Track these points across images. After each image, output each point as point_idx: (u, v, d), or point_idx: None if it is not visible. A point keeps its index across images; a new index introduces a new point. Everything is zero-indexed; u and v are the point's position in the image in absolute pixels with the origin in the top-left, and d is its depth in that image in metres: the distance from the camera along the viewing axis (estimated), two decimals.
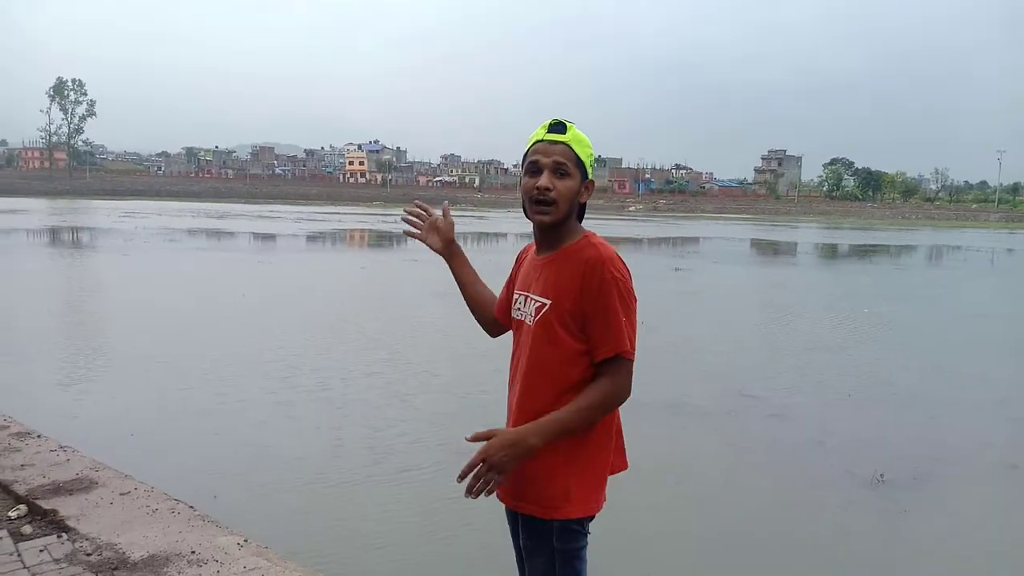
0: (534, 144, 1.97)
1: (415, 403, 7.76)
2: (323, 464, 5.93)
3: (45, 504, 3.78)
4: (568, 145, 1.94)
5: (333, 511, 5.13)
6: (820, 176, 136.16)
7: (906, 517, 5.38)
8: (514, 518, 2.10)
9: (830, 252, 35.63)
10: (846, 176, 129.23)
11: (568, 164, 1.94)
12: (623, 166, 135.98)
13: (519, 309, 2.06)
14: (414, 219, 2.37)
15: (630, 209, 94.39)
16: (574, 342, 1.94)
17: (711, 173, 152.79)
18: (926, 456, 6.62)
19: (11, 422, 5.09)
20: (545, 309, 1.96)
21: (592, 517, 2.04)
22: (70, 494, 3.93)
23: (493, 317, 2.32)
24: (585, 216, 2.13)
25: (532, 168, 1.95)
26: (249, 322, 11.92)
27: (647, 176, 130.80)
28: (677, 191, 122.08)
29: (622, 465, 2.15)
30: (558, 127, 1.95)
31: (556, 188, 1.92)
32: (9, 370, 8.43)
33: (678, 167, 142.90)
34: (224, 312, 12.76)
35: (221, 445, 6.24)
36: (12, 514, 3.76)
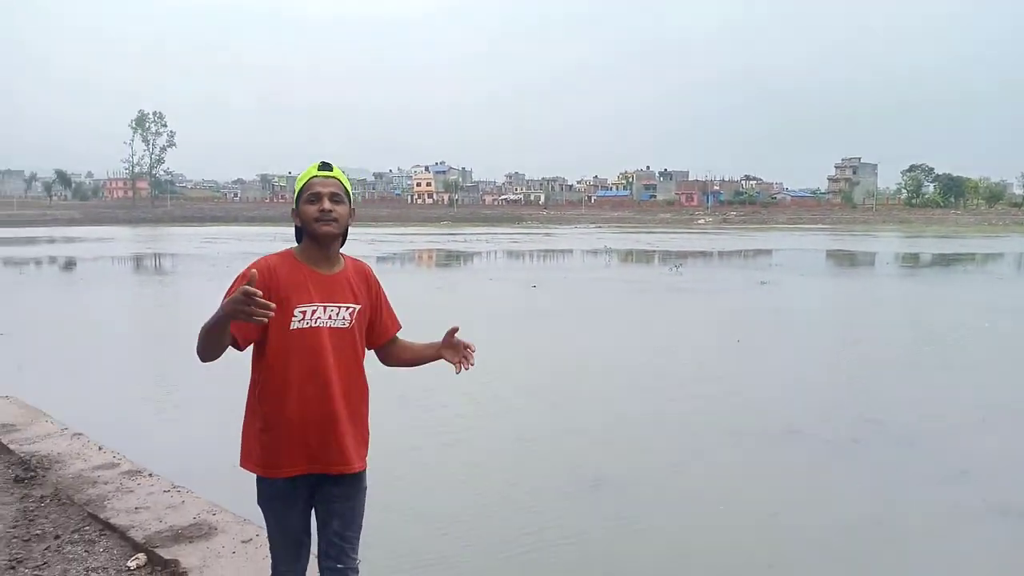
0: (310, 179, 2.44)
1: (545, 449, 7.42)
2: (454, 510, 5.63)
3: (165, 554, 3.57)
4: (338, 179, 2.47)
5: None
6: (898, 183, 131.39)
7: None
8: (310, 485, 2.47)
9: (920, 261, 34.05)
10: (926, 183, 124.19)
11: (340, 193, 2.46)
12: (690, 178, 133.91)
13: (318, 318, 2.42)
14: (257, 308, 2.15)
15: (699, 222, 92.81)
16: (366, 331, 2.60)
17: (781, 183, 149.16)
18: None
19: (122, 459, 4.94)
20: (358, 310, 2.51)
21: None
22: (190, 541, 3.71)
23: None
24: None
25: (312, 198, 2.42)
26: None
27: (716, 188, 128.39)
28: (747, 202, 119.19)
29: None
30: (327, 167, 2.47)
31: (335, 210, 2.43)
32: (115, 403, 8.43)
33: (747, 178, 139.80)
34: None
35: None
36: (131, 564, 3.55)
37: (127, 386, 9.28)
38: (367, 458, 2.59)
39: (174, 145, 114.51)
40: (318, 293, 2.43)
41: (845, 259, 35.92)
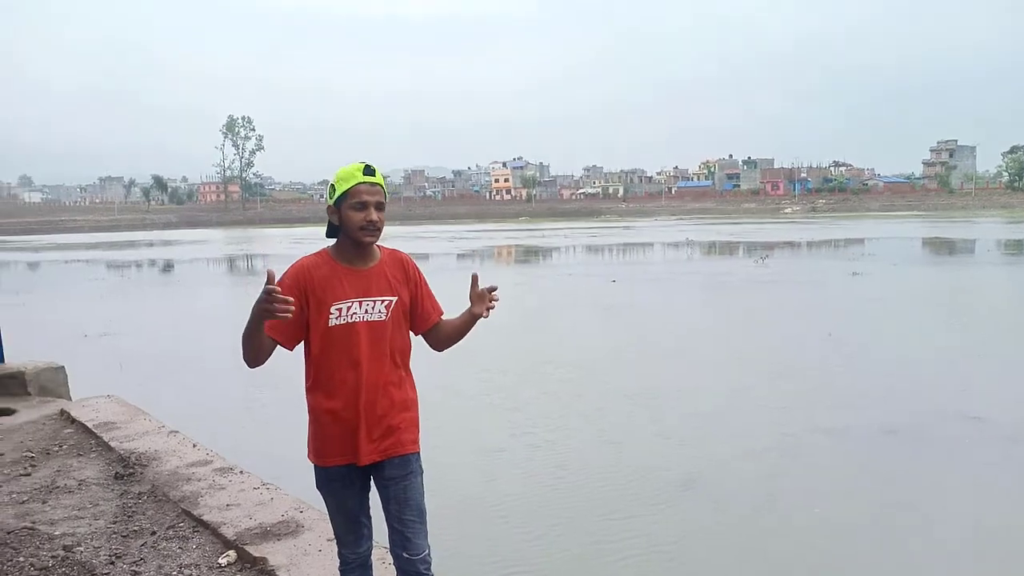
0: (356, 184, 2.47)
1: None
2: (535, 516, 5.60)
3: (254, 551, 3.64)
4: (382, 186, 2.54)
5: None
6: (999, 166, 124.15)
7: None
8: (364, 474, 2.60)
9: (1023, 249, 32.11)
10: None
11: (383, 201, 2.54)
12: (775, 166, 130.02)
13: (353, 314, 2.51)
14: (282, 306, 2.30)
15: (786, 211, 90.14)
16: (408, 320, 2.66)
17: (873, 169, 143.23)
18: None
19: (215, 456, 5.09)
20: (395, 302, 2.58)
21: None
22: (278, 539, 3.78)
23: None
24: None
25: (359, 206, 2.48)
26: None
27: (803, 175, 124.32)
28: (837, 190, 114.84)
29: None
30: (371, 171, 2.51)
31: (379, 220, 2.51)
32: (210, 401, 8.76)
33: (836, 164, 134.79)
34: None
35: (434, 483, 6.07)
36: (222, 561, 3.64)
37: (222, 384, 9.62)
38: (418, 441, 2.67)
39: (262, 148, 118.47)
40: (353, 289, 2.53)
41: (943, 247, 34.23)
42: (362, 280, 2.54)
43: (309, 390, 2.59)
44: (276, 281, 2.34)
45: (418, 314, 2.69)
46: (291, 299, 2.29)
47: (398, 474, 2.58)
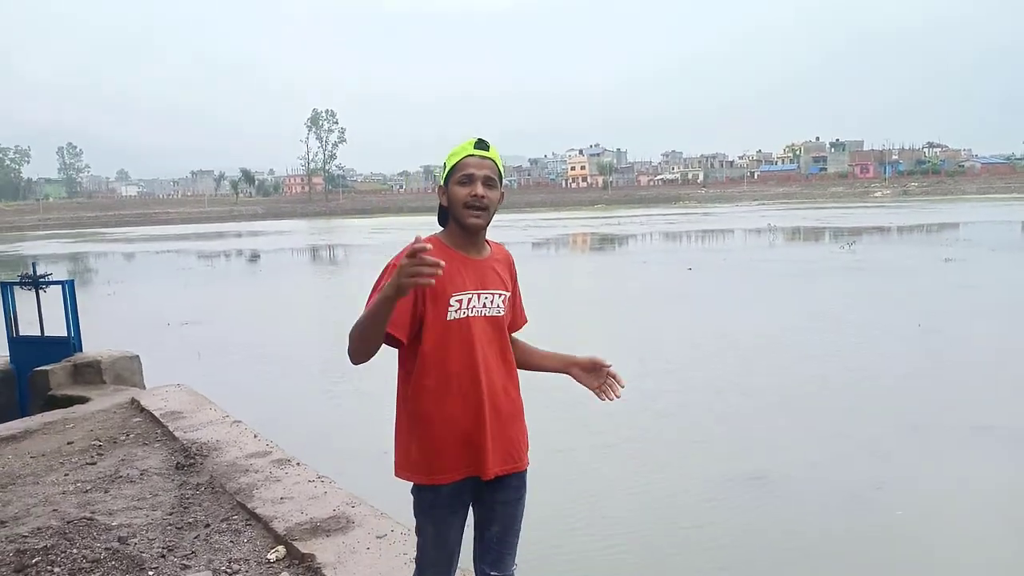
0: (465, 158, 2.24)
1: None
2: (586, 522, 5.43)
3: (303, 547, 3.58)
4: (494, 161, 2.26)
5: None
6: None
7: None
8: (472, 489, 2.30)
9: None
10: None
11: (495, 178, 2.26)
12: (865, 148, 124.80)
13: (473, 307, 2.26)
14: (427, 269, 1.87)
15: (876, 195, 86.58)
16: None
17: (970, 150, 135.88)
18: None
19: (274, 447, 5.10)
20: (507, 297, 2.36)
21: None
22: (327, 535, 3.71)
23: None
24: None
25: (465, 179, 2.23)
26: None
27: (894, 158, 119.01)
28: (931, 172, 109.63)
29: None
30: (483, 145, 2.26)
31: (488, 196, 2.23)
32: (279, 392, 8.88)
33: (931, 145, 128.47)
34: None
35: None
36: (271, 556, 3.60)
37: (293, 375, 9.76)
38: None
39: (344, 141, 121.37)
40: (471, 280, 2.26)
41: None
42: (479, 271, 2.29)
43: (416, 395, 2.25)
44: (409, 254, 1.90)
45: (509, 317, 2.45)
46: (442, 262, 1.86)
47: (512, 497, 2.35)
